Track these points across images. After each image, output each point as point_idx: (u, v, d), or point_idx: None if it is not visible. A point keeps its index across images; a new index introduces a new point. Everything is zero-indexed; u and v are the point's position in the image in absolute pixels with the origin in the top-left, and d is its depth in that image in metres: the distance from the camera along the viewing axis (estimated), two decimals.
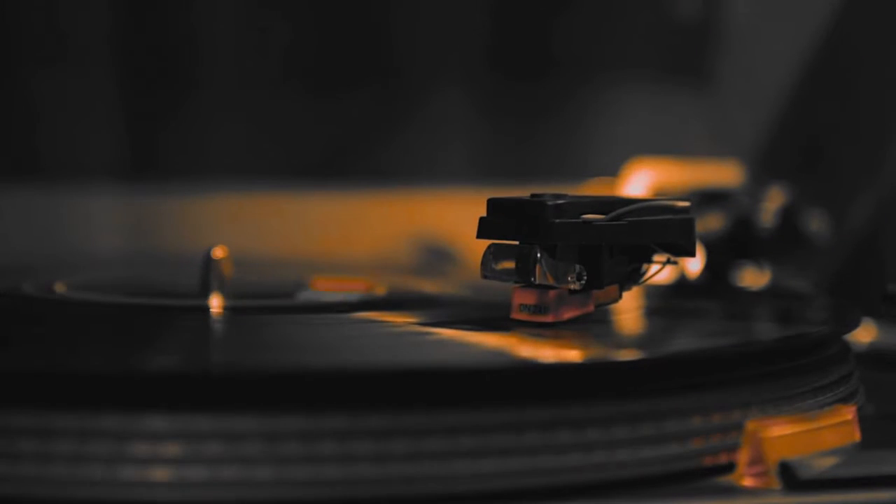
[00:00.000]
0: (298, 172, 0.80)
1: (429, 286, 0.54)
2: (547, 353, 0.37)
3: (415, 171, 0.80)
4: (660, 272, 0.42)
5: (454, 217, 0.65)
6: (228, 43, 0.79)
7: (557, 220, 0.38)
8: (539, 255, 0.39)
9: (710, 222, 0.59)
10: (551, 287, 0.39)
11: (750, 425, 0.34)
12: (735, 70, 0.79)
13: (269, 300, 0.49)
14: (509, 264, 0.39)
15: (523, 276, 0.39)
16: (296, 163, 0.80)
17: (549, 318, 0.39)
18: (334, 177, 0.80)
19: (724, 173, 0.64)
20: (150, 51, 0.78)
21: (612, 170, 0.68)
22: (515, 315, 0.40)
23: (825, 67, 0.72)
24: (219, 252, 0.47)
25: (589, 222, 0.39)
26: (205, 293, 0.47)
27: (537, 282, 0.39)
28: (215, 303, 0.46)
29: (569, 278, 0.39)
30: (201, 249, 0.48)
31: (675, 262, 0.42)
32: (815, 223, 0.59)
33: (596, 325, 0.41)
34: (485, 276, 0.40)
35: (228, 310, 0.45)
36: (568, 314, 0.40)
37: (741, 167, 0.66)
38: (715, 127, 0.79)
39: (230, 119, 0.79)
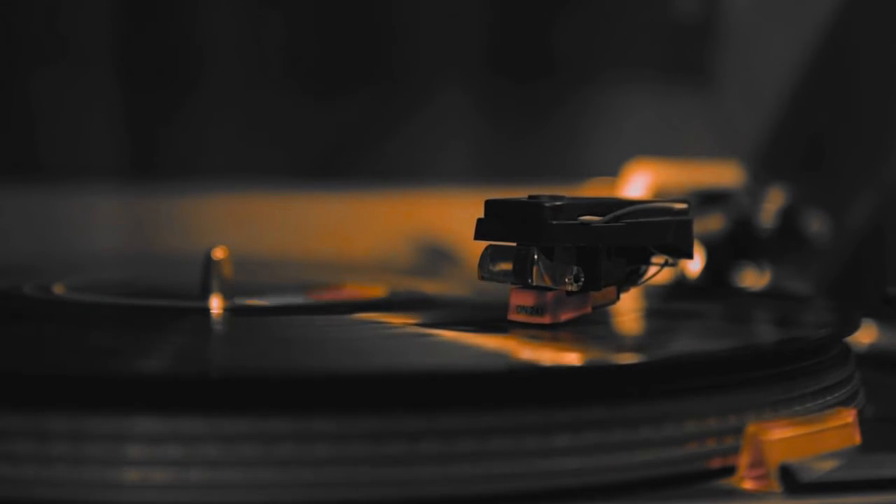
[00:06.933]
0: (298, 172, 0.80)
1: (428, 286, 0.54)
2: (545, 355, 0.37)
3: (415, 171, 0.80)
4: (658, 274, 0.42)
5: (454, 217, 0.65)
6: (228, 43, 0.79)
7: (554, 222, 0.38)
8: (536, 256, 0.39)
9: (711, 223, 0.58)
10: (549, 288, 0.39)
11: (750, 428, 0.34)
12: (735, 70, 0.79)
13: (269, 301, 0.49)
14: (507, 266, 0.39)
15: (520, 277, 0.39)
16: (296, 163, 0.80)
17: (546, 320, 0.39)
18: (334, 177, 0.80)
19: (724, 174, 0.64)
20: (149, 51, 0.78)
21: (612, 170, 0.68)
22: (513, 316, 0.40)
23: (826, 67, 0.72)
24: (219, 252, 0.47)
25: (586, 224, 0.39)
26: (205, 294, 0.47)
27: (534, 283, 0.39)
28: (215, 304, 0.46)
29: (566, 280, 0.39)
30: (201, 249, 0.48)
31: (673, 264, 0.42)
32: (816, 224, 0.59)
33: (594, 326, 0.40)
34: (482, 278, 0.40)
35: (229, 311, 0.45)
36: (565, 316, 0.40)
37: (741, 167, 0.66)
38: (715, 127, 0.79)
39: (230, 119, 0.79)
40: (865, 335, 0.51)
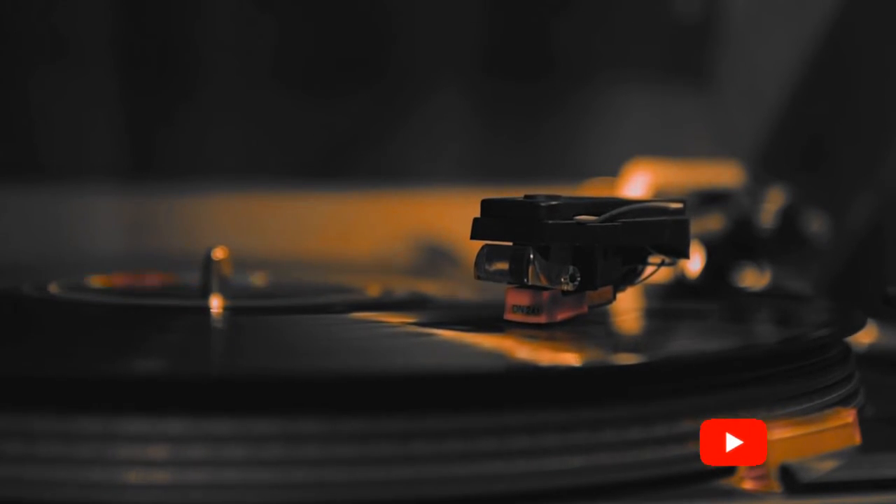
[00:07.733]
0: (298, 172, 0.80)
1: (427, 286, 0.54)
2: (542, 355, 0.37)
3: (414, 171, 0.80)
4: (654, 273, 0.42)
5: (453, 217, 0.65)
6: (228, 43, 0.79)
7: (550, 222, 0.38)
8: (532, 256, 0.39)
9: (711, 223, 0.58)
10: (545, 288, 0.39)
11: None
12: (735, 70, 0.79)
13: (269, 301, 0.49)
14: (503, 265, 0.39)
15: (516, 277, 0.39)
16: (296, 163, 0.80)
17: (542, 320, 0.39)
18: (334, 177, 0.80)
19: (724, 173, 0.64)
20: (149, 51, 0.78)
21: (612, 170, 0.68)
22: (509, 316, 0.40)
23: (825, 67, 0.72)
24: (219, 252, 0.47)
25: (582, 223, 0.39)
26: (205, 294, 0.47)
27: (530, 283, 0.39)
28: (215, 303, 0.46)
29: (562, 279, 0.39)
30: (201, 249, 0.48)
31: (670, 264, 0.42)
32: (816, 224, 0.59)
33: (592, 326, 0.40)
34: (478, 277, 0.40)
35: (228, 310, 0.45)
36: (561, 315, 0.39)
37: (741, 167, 0.66)
38: (715, 127, 0.79)
39: (230, 119, 0.79)
40: (865, 335, 0.51)
